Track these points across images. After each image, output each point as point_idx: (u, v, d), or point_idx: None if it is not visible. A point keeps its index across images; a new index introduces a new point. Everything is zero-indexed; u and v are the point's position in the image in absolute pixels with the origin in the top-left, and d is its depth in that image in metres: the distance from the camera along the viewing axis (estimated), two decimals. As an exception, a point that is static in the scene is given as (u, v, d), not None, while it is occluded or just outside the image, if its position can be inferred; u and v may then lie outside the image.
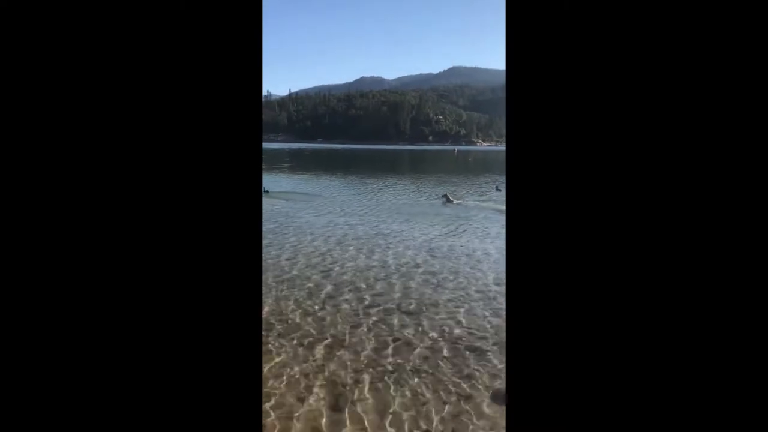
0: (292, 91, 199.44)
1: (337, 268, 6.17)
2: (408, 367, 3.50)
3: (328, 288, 5.37)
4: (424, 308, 4.77)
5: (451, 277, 5.84)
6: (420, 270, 6.19)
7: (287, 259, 6.57)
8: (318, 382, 3.26)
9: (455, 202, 13.01)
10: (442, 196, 13.50)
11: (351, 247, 7.38)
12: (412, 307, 4.80)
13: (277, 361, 3.56)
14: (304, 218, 10.03)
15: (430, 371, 3.46)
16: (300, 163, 34.68)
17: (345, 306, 4.79)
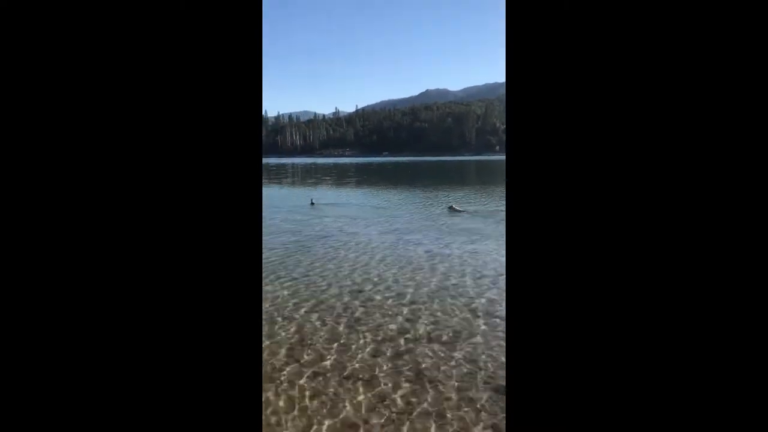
0: (359, 107, 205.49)
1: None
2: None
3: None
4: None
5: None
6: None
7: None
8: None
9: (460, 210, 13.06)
10: (448, 208, 13.46)
11: (414, 268, 7.06)
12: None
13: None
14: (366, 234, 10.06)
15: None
16: (365, 177, 35.62)
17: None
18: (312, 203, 15.69)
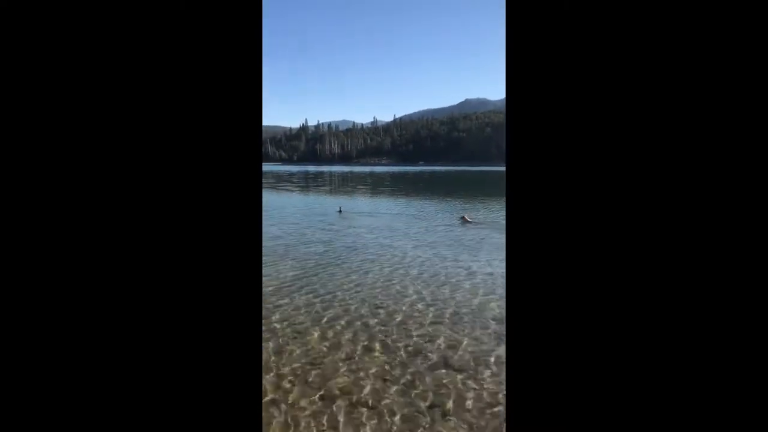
0: (397, 116, 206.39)
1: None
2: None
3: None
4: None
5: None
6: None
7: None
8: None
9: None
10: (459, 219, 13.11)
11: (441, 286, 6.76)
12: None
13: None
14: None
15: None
16: (400, 186, 35.30)
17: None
18: (340, 211, 15.65)
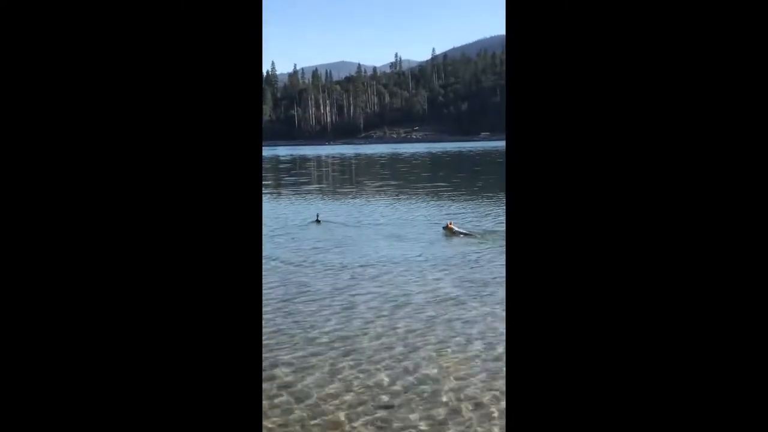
0: (438, 52, 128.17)
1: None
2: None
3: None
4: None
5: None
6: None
7: None
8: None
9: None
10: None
11: None
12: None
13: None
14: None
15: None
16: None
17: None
18: (318, 221, 10.96)
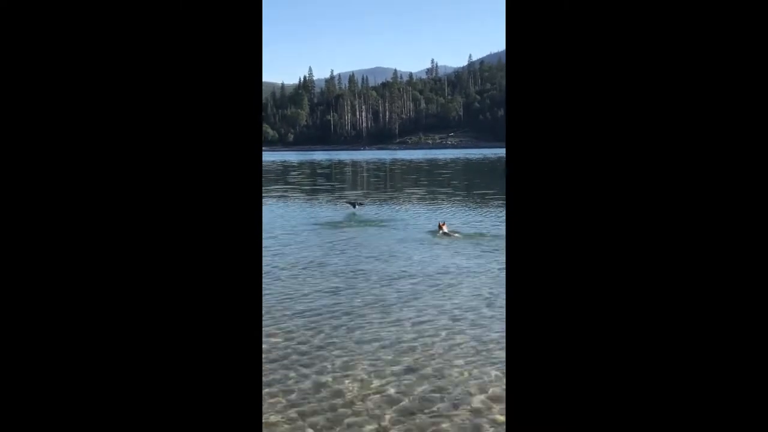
0: (475, 58, 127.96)
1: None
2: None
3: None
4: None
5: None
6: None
7: None
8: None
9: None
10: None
11: None
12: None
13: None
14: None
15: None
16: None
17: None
18: (355, 206, 11.23)
